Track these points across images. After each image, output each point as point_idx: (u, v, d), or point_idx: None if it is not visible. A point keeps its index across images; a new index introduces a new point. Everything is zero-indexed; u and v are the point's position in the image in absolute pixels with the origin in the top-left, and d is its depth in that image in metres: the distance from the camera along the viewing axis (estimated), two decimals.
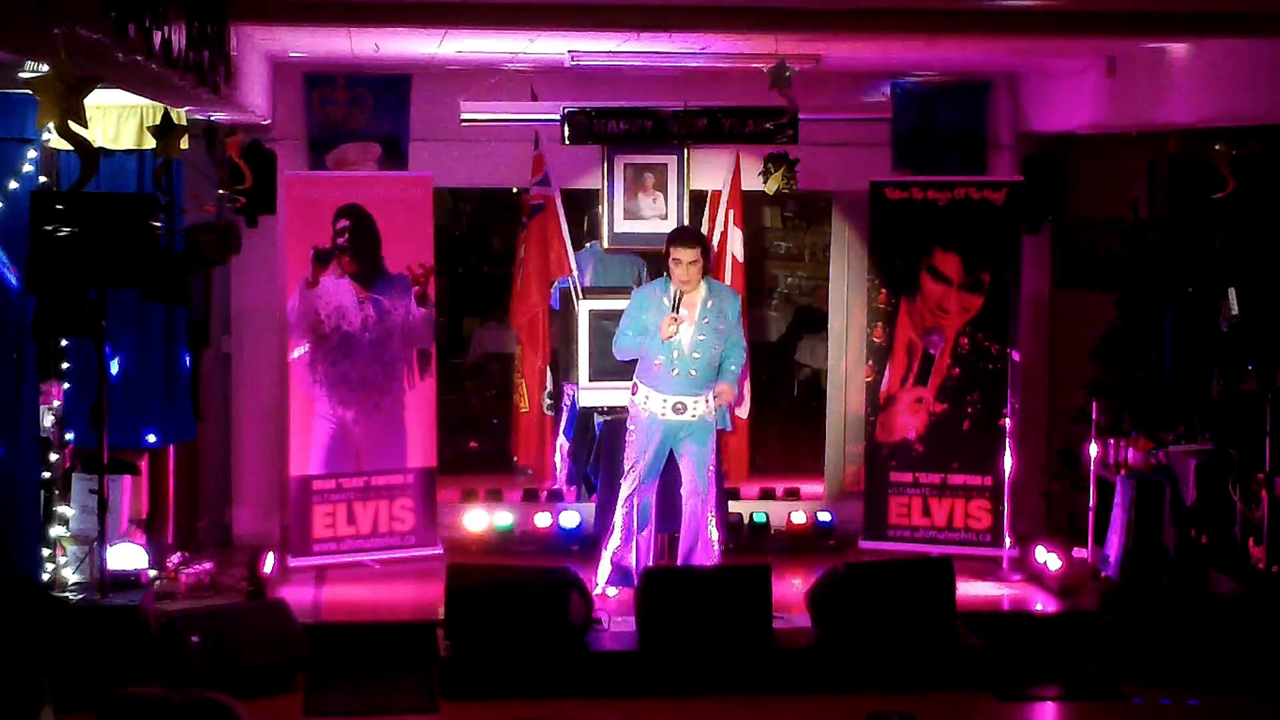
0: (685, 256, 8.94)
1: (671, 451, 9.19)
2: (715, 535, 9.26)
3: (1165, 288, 9.92)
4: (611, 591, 9.19)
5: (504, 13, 7.95)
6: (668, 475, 9.32)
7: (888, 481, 10.51)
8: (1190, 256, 9.88)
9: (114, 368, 9.22)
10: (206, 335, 10.41)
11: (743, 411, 10.68)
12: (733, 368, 9.10)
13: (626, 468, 9.24)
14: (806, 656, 8.37)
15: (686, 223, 10.58)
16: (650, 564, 9.33)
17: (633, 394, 9.18)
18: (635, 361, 9.16)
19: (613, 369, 9.58)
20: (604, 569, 9.34)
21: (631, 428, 9.19)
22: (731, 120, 9.96)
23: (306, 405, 9.94)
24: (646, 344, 9.02)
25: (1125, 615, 8.57)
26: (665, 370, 9.00)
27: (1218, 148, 9.40)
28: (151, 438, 9.52)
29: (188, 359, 9.78)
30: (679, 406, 9.05)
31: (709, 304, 9.03)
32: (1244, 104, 8.52)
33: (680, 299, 8.91)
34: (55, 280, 7.83)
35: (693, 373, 9.01)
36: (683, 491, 9.24)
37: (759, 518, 10.67)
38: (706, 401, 9.08)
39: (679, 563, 9.32)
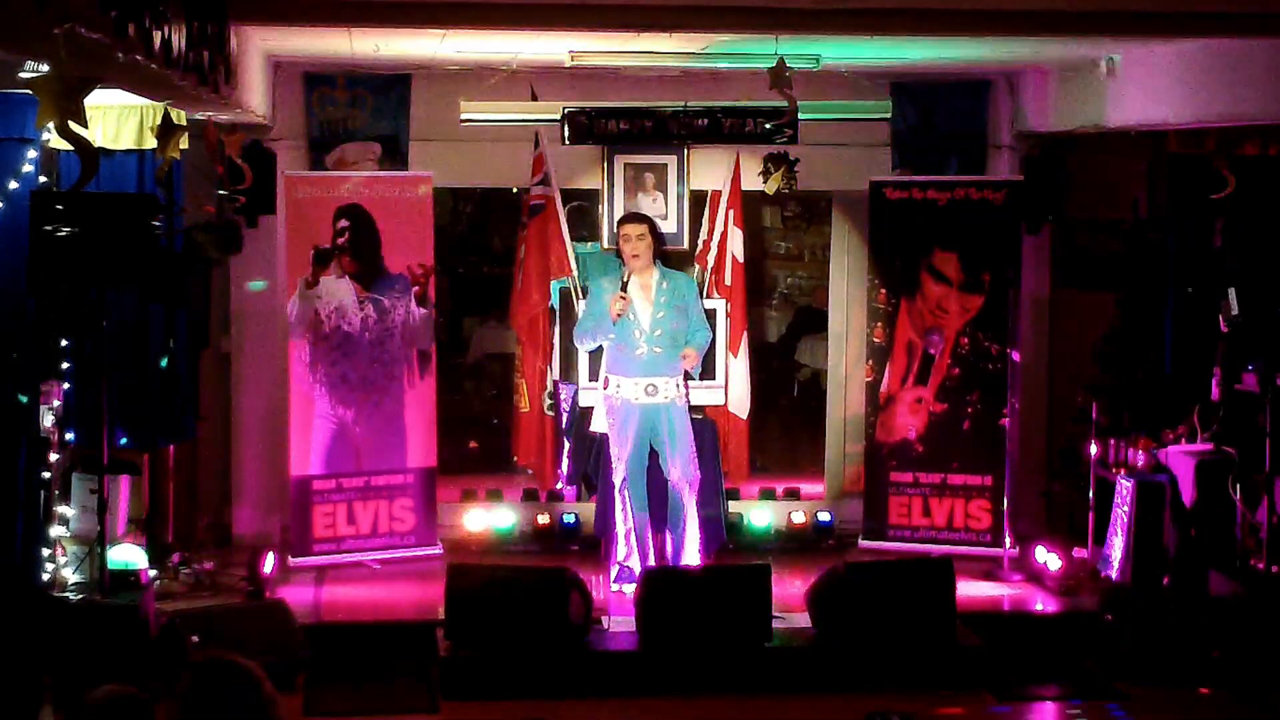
0: (632, 232, 9.25)
1: (653, 448, 9.27)
2: (695, 516, 9.35)
3: (1165, 288, 9.92)
4: (628, 590, 9.18)
5: (504, 13, 7.95)
6: (655, 477, 9.39)
7: (888, 481, 10.52)
8: (1190, 256, 9.88)
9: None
10: (206, 335, 10.41)
11: (743, 411, 10.68)
12: (698, 340, 9.37)
13: (614, 463, 9.34)
14: (806, 656, 8.37)
15: (686, 223, 10.63)
16: (650, 557, 9.38)
17: (603, 388, 9.38)
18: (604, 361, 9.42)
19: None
20: (613, 566, 9.46)
21: (610, 421, 9.33)
22: (731, 120, 9.95)
23: (306, 405, 9.95)
24: (602, 330, 9.25)
25: (1126, 616, 8.56)
26: (630, 352, 9.22)
27: (1217, 148, 9.41)
28: (149, 440, 9.53)
29: (187, 359, 9.79)
30: (651, 389, 9.22)
31: (664, 285, 9.30)
32: (1243, 104, 8.52)
33: (628, 278, 9.12)
34: (55, 280, 7.84)
35: (657, 350, 9.21)
36: (670, 477, 9.35)
37: (759, 517, 10.65)
38: (677, 385, 9.27)
39: (670, 550, 9.38)
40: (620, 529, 9.40)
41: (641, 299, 9.22)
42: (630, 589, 9.13)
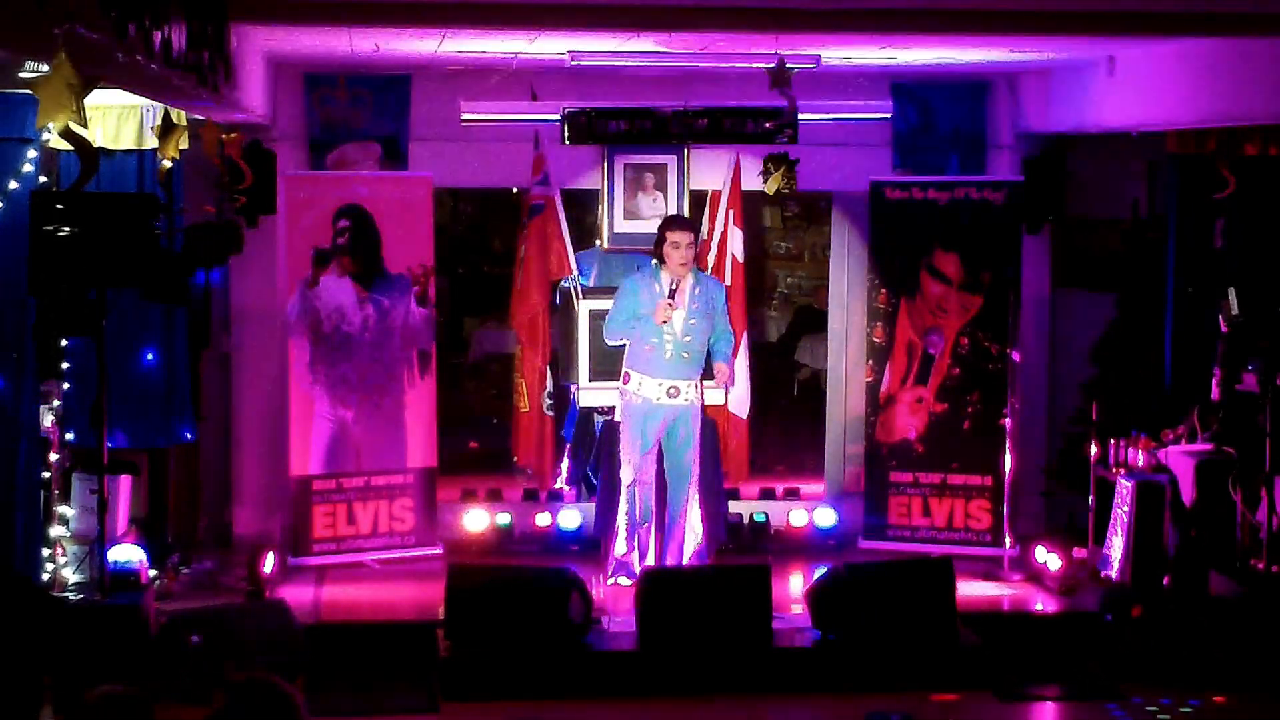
0: (682, 240, 9.27)
1: (660, 443, 9.32)
2: (698, 516, 9.40)
3: (1165, 288, 9.93)
4: (624, 581, 9.27)
5: (504, 13, 7.95)
6: (657, 478, 9.43)
7: (888, 481, 10.52)
8: (1190, 256, 9.89)
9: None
10: (207, 335, 10.41)
11: (743, 411, 10.68)
12: (724, 349, 9.44)
13: (623, 460, 9.35)
14: (806, 657, 8.37)
15: None
16: (651, 558, 9.40)
17: (624, 383, 9.37)
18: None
19: (613, 369, 9.62)
20: (611, 562, 9.48)
21: (625, 419, 9.35)
22: (731, 120, 9.95)
23: (306, 405, 9.95)
24: (638, 329, 9.24)
25: (1126, 616, 8.56)
26: (658, 354, 9.23)
27: (1217, 148, 9.41)
28: (149, 440, 9.55)
29: (187, 359, 9.79)
30: (673, 390, 9.26)
31: (697, 290, 9.34)
32: (1243, 104, 8.52)
33: (676, 285, 9.17)
34: (56, 280, 7.84)
35: (685, 355, 9.26)
36: (669, 478, 9.41)
37: (759, 518, 10.65)
38: (695, 387, 9.31)
39: (663, 550, 9.42)
40: (621, 525, 9.41)
41: (678, 304, 9.24)
42: (626, 581, 9.21)
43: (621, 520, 9.43)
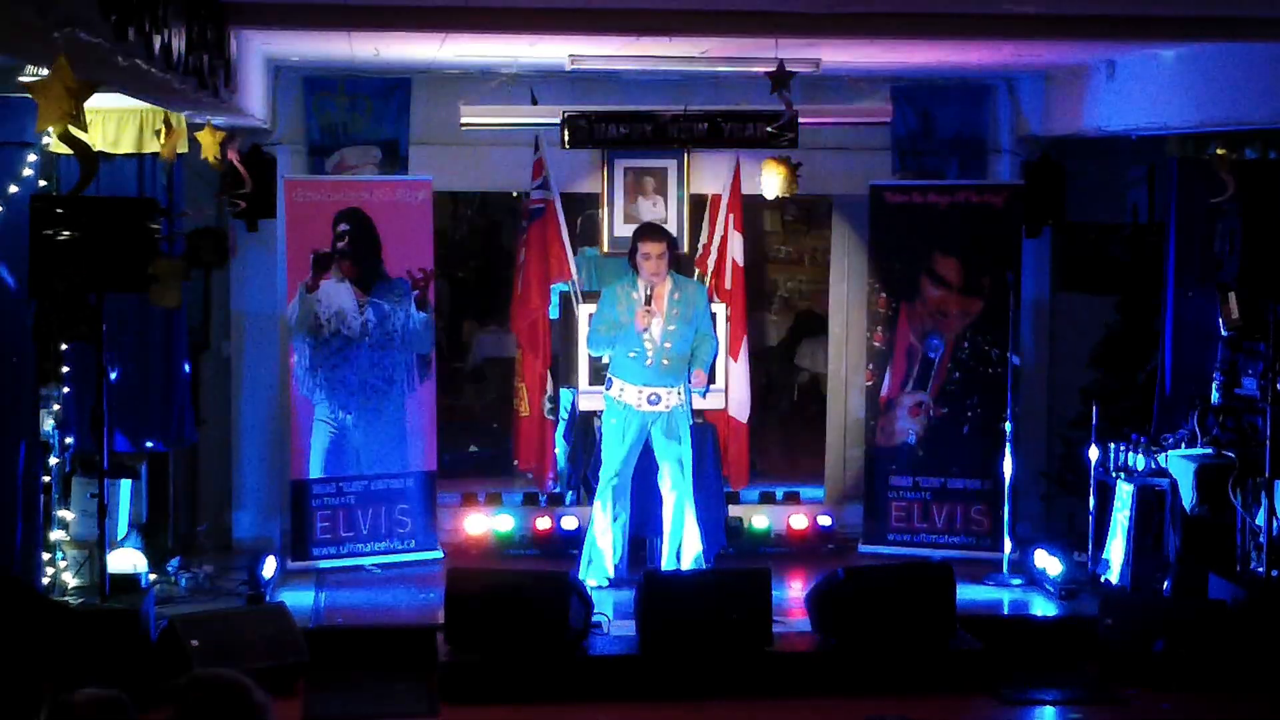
0: (654, 250, 9.27)
1: (652, 451, 9.34)
2: (696, 524, 9.43)
3: (1165, 291, 9.92)
4: (598, 579, 9.35)
5: (504, 17, 7.95)
6: (645, 479, 9.41)
7: (888, 485, 10.52)
8: (1190, 260, 9.88)
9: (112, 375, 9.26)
10: (207, 339, 10.41)
11: (743, 415, 10.68)
12: (705, 356, 9.42)
13: (603, 461, 9.43)
14: (806, 661, 8.37)
15: (686, 227, 10.63)
16: (622, 560, 9.49)
17: (607, 389, 9.43)
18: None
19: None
20: (583, 559, 9.53)
21: (612, 421, 9.39)
22: (731, 124, 9.94)
23: (306, 409, 9.95)
24: (619, 338, 9.27)
25: (1126, 620, 8.56)
26: (639, 361, 9.27)
27: (1218, 152, 9.41)
28: (149, 444, 9.54)
29: (188, 363, 9.79)
30: (653, 397, 9.30)
31: (676, 296, 9.35)
32: (1243, 108, 8.52)
33: (651, 291, 9.15)
34: (55, 284, 7.83)
35: (665, 362, 9.28)
36: (662, 487, 9.42)
37: (759, 521, 10.64)
38: (679, 394, 9.33)
39: (663, 561, 9.44)
40: (594, 523, 9.45)
41: (656, 312, 9.26)
42: (602, 580, 9.31)
43: (596, 519, 9.45)
